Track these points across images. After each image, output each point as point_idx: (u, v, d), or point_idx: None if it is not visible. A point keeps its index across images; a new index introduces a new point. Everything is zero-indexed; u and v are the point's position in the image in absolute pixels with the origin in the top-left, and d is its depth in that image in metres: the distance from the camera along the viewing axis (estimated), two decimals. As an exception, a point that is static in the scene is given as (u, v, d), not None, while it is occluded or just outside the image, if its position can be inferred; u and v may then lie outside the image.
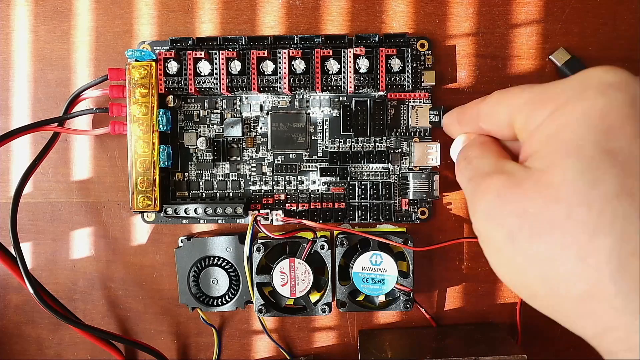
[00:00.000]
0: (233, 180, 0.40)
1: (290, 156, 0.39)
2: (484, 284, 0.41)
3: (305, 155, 0.39)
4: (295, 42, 0.37)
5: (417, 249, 0.38)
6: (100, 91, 0.38)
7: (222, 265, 0.39)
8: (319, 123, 0.39)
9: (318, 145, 0.39)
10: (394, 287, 0.37)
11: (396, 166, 0.39)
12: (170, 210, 0.37)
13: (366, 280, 0.37)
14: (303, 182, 0.39)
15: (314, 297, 0.38)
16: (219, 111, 0.39)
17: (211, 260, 0.39)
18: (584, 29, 0.39)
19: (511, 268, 0.22)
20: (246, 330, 0.41)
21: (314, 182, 0.39)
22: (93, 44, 0.40)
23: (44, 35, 0.40)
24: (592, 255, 0.18)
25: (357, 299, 0.39)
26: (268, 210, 0.38)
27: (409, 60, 0.37)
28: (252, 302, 0.38)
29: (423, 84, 0.38)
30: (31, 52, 0.40)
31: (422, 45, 0.38)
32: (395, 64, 0.36)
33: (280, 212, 0.38)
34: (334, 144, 0.39)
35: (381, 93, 0.38)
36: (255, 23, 0.39)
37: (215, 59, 0.36)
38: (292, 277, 0.37)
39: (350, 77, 0.36)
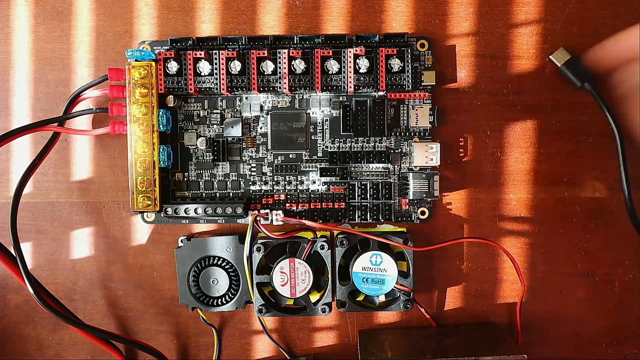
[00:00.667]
0: (233, 180, 0.40)
1: (290, 156, 0.39)
2: (484, 284, 0.41)
3: (305, 155, 0.39)
4: (295, 42, 0.37)
5: (417, 249, 0.38)
6: (100, 91, 0.38)
7: (222, 265, 0.39)
8: (319, 123, 0.39)
9: (318, 145, 0.39)
10: (394, 287, 0.37)
11: (396, 166, 0.39)
12: (170, 210, 0.37)
13: (366, 280, 0.37)
14: (303, 182, 0.39)
15: (314, 297, 0.38)
16: (219, 111, 0.39)
17: (211, 260, 0.39)
18: (584, 29, 0.39)
19: None
20: (246, 330, 0.41)
21: (314, 182, 0.39)
22: (93, 44, 0.40)
23: (44, 35, 0.40)
24: None
25: (357, 299, 0.39)
26: (268, 210, 0.38)
27: (409, 60, 0.36)
28: (252, 302, 0.38)
29: (423, 84, 0.38)
30: (31, 52, 0.40)
31: (422, 45, 0.38)
32: (395, 64, 0.36)
33: (280, 212, 0.38)
34: (334, 144, 0.39)
35: (381, 93, 0.38)
36: (255, 23, 0.39)
37: (215, 59, 0.36)
38: (292, 277, 0.37)
39: (350, 77, 0.36)
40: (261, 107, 0.39)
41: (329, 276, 0.38)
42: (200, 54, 0.36)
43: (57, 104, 0.40)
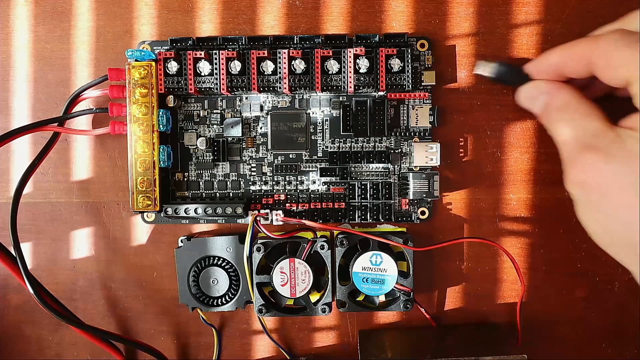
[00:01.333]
0: (233, 180, 0.40)
1: (290, 156, 0.39)
2: (484, 284, 0.41)
3: (305, 155, 0.39)
4: (295, 42, 0.37)
5: (417, 249, 0.38)
6: (100, 91, 0.38)
7: (222, 265, 0.39)
8: (319, 123, 0.39)
9: (318, 145, 0.39)
10: (394, 287, 0.37)
11: (396, 166, 0.39)
12: (170, 210, 0.37)
13: (366, 280, 0.37)
14: (303, 182, 0.39)
15: (314, 297, 0.38)
16: (219, 111, 0.39)
17: (211, 260, 0.39)
18: (584, 29, 0.39)
19: (587, 219, 0.29)
20: (246, 330, 0.41)
21: (314, 182, 0.39)
22: (93, 44, 0.40)
23: (44, 35, 0.40)
24: None
25: (357, 299, 0.39)
26: (268, 210, 0.38)
27: (409, 60, 0.37)
28: (252, 302, 0.38)
29: (423, 84, 0.38)
30: (31, 52, 0.40)
31: (422, 45, 0.38)
32: (395, 64, 0.36)
33: (280, 212, 0.38)
34: (334, 144, 0.39)
35: (381, 93, 0.38)
36: (255, 23, 0.39)
37: (215, 59, 0.36)
38: (292, 277, 0.37)
39: (350, 77, 0.36)
40: (261, 107, 0.39)
41: (329, 276, 0.38)
42: (200, 54, 0.36)
43: (57, 104, 0.40)
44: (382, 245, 0.38)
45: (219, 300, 0.40)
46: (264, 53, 0.36)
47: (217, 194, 0.40)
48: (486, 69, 0.37)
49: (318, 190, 0.39)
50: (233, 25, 0.39)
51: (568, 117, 0.30)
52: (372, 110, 0.38)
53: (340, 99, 0.39)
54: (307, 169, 0.39)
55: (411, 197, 0.37)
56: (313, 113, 0.39)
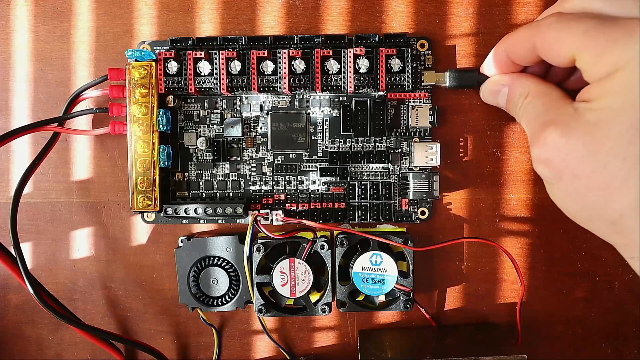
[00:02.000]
0: (233, 180, 0.40)
1: (290, 156, 0.39)
2: (484, 284, 0.41)
3: (305, 155, 0.39)
4: (295, 42, 0.37)
5: (417, 249, 0.38)
6: (100, 91, 0.38)
7: (222, 265, 0.39)
8: (319, 123, 0.39)
9: (318, 145, 0.39)
10: (394, 287, 0.37)
11: (396, 166, 0.39)
12: (170, 210, 0.37)
13: (366, 280, 0.37)
14: (303, 182, 0.39)
15: (314, 297, 0.38)
16: (219, 111, 0.39)
17: (211, 260, 0.39)
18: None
19: (559, 197, 0.28)
20: (246, 330, 0.41)
21: (314, 182, 0.39)
22: (93, 44, 0.40)
23: (44, 35, 0.40)
24: (623, 195, 0.24)
25: (357, 299, 0.39)
26: (268, 210, 0.38)
27: (409, 60, 0.37)
28: (252, 302, 0.38)
29: (423, 84, 0.38)
30: (31, 52, 0.40)
31: (422, 45, 0.38)
32: (395, 64, 0.36)
33: (280, 212, 0.38)
34: (334, 144, 0.39)
35: (381, 93, 0.38)
36: (255, 23, 0.39)
37: (215, 59, 0.36)
38: (292, 277, 0.37)
39: (350, 77, 0.36)
40: (261, 107, 0.39)
41: (329, 276, 0.38)
42: (200, 54, 0.36)
43: (57, 104, 0.40)
44: (382, 245, 0.38)
45: (219, 300, 0.40)
46: (264, 53, 0.36)
47: (217, 194, 0.40)
48: (442, 79, 0.37)
49: (318, 190, 0.39)
50: (233, 25, 0.39)
51: (529, 100, 0.30)
52: (372, 110, 0.38)
53: (340, 99, 0.39)
54: (307, 169, 0.39)
55: (411, 197, 0.37)
56: (313, 113, 0.39)
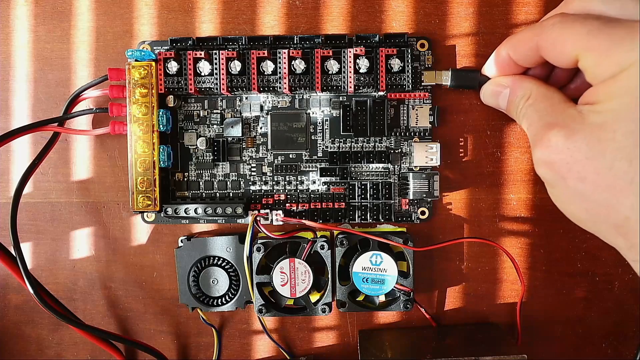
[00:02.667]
0: (233, 180, 0.40)
1: (290, 156, 0.39)
2: (484, 284, 0.41)
3: (305, 155, 0.39)
4: (295, 42, 0.37)
5: (417, 249, 0.38)
6: (100, 91, 0.38)
7: (222, 265, 0.39)
8: (319, 123, 0.39)
9: (318, 145, 0.39)
10: (394, 287, 0.37)
11: (396, 166, 0.39)
12: (170, 210, 0.37)
13: (366, 280, 0.37)
14: (303, 182, 0.39)
15: (314, 297, 0.38)
16: (219, 111, 0.39)
17: (211, 260, 0.40)
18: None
19: (562, 200, 0.28)
20: (246, 330, 0.41)
21: (314, 182, 0.39)
22: (93, 44, 0.40)
23: (44, 35, 0.40)
24: (628, 197, 0.24)
25: (357, 299, 0.39)
26: (268, 210, 0.38)
27: (409, 60, 0.37)
28: (252, 302, 0.38)
29: (423, 84, 0.38)
30: (31, 52, 0.40)
31: (422, 45, 0.38)
32: (395, 64, 0.36)
33: (280, 212, 0.38)
34: (334, 144, 0.39)
35: (381, 93, 0.38)
36: (255, 23, 0.39)
37: (215, 59, 0.36)
38: (292, 277, 0.37)
39: (350, 77, 0.36)
40: (261, 107, 0.39)
41: (329, 276, 0.38)
42: (200, 54, 0.36)
43: (57, 104, 0.40)
44: (382, 245, 0.38)
45: (219, 300, 0.40)
46: (264, 53, 0.36)
47: (217, 194, 0.40)
48: (443, 78, 0.37)
49: (318, 190, 0.39)
50: (233, 25, 0.39)
51: (531, 102, 0.30)
52: (372, 110, 0.38)
53: (340, 99, 0.39)
54: (307, 169, 0.39)
55: (411, 197, 0.37)
56: (313, 113, 0.39)
